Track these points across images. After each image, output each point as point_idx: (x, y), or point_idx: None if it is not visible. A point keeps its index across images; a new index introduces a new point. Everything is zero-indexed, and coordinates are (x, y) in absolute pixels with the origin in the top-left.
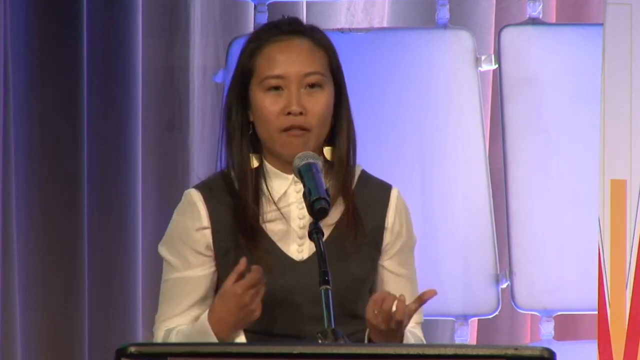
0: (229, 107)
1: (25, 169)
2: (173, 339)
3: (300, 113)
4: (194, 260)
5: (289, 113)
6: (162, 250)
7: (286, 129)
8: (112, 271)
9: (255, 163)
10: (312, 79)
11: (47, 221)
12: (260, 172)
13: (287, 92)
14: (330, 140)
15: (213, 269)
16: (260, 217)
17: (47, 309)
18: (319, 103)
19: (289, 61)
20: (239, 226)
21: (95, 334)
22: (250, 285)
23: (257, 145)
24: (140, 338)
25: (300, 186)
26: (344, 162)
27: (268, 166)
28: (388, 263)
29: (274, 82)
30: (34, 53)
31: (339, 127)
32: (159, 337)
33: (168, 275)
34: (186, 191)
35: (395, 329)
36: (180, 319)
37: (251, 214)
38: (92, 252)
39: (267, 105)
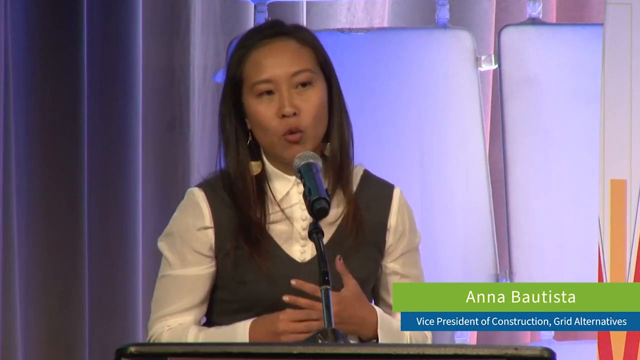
0: (223, 118)
1: (26, 169)
2: (199, 337)
3: (294, 114)
4: (193, 259)
5: (283, 116)
6: (162, 245)
7: (284, 134)
8: (112, 271)
9: (256, 170)
10: (301, 78)
11: (47, 221)
12: (262, 176)
13: (279, 94)
14: (326, 136)
15: (212, 269)
16: (264, 219)
17: (47, 309)
18: (311, 101)
19: (275, 63)
20: (243, 230)
21: (95, 334)
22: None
23: (256, 152)
24: (140, 338)
25: (302, 187)
26: (337, 155)
27: (270, 169)
28: (393, 265)
29: (264, 86)
30: (34, 53)
31: (332, 122)
32: (157, 334)
33: (166, 271)
34: (189, 189)
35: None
36: (183, 318)
37: (254, 218)
38: (92, 252)
39: (262, 111)
